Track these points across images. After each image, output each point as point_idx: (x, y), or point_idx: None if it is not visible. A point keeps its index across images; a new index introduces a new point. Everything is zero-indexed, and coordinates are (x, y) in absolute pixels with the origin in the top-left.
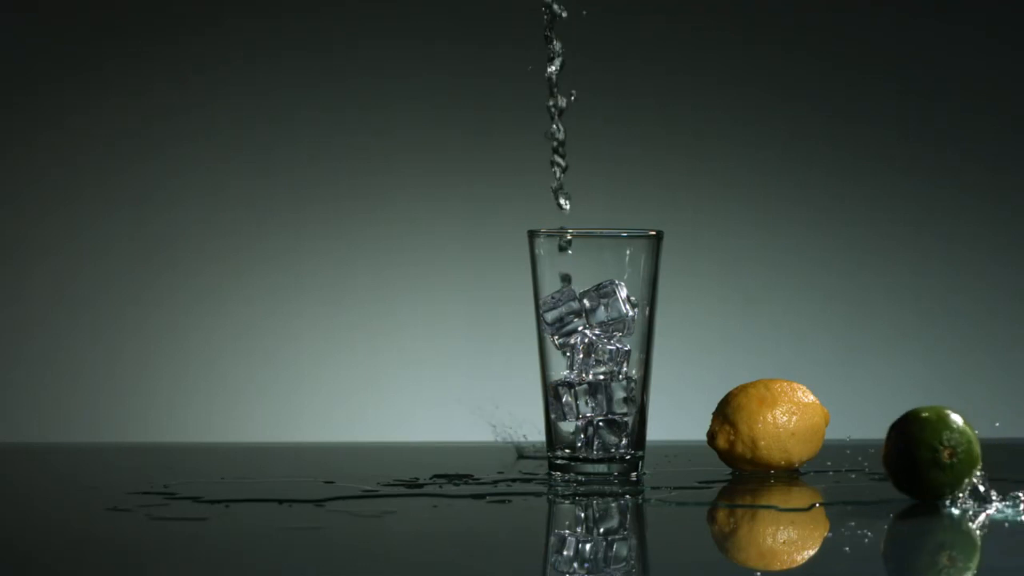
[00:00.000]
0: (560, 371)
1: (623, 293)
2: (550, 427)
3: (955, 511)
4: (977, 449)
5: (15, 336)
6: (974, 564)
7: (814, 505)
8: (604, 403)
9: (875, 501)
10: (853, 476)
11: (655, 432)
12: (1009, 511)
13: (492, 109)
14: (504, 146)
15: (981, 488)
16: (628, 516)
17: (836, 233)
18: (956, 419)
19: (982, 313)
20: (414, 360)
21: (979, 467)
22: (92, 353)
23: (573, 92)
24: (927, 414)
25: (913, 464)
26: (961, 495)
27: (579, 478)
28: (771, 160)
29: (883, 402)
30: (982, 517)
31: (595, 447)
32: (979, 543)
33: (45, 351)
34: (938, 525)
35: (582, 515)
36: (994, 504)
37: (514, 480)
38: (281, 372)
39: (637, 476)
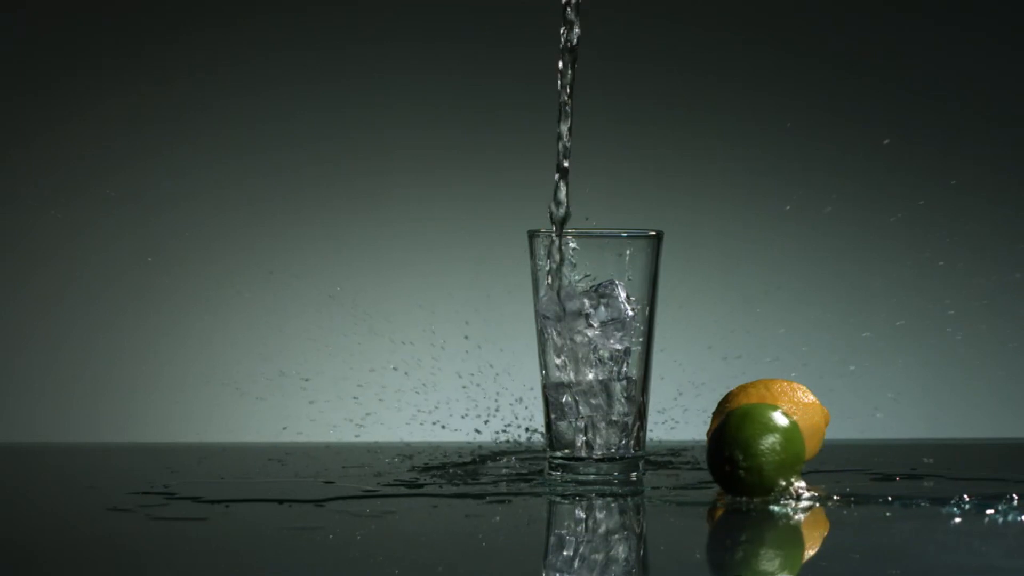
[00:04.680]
0: (560, 371)
1: (623, 293)
2: (550, 427)
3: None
4: (782, 457)
5: (15, 336)
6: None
7: (814, 505)
8: (604, 403)
9: (875, 501)
10: (853, 476)
11: (655, 432)
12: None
13: (493, 109)
14: (505, 146)
15: (795, 490)
16: (628, 516)
17: (836, 233)
18: (764, 438)
19: (982, 313)
20: (414, 360)
21: (787, 476)
22: (92, 353)
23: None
24: (733, 428)
25: (714, 469)
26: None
27: (579, 478)
28: (771, 160)
29: (883, 402)
30: (800, 515)
31: (595, 447)
32: (802, 539)
33: (45, 351)
34: (934, 525)
35: (582, 515)
36: (806, 502)
37: (514, 480)
38: (281, 372)
39: (637, 476)
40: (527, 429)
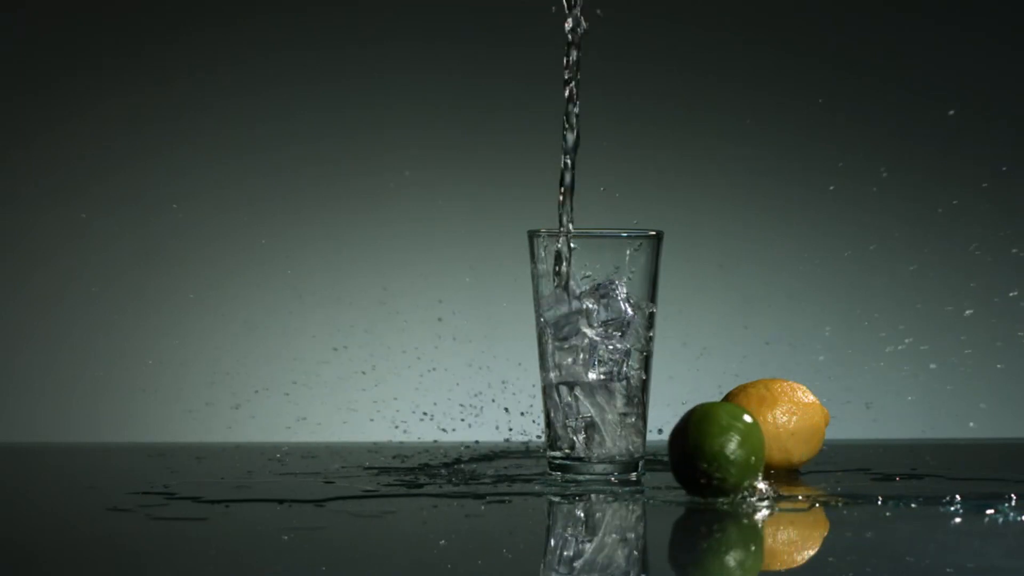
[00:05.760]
0: (560, 371)
1: (623, 293)
2: (550, 427)
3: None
4: (746, 469)
5: (15, 336)
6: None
7: (814, 505)
8: (604, 403)
9: (875, 501)
10: (853, 476)
11: (656, 432)
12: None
13: (493, 109)
14: (505, 146)
15: (762, 489)
16: (628, 516)
17: (836, 233)
18: (726, 443)
19: (983, 313)
20: (414, 361)
21: (749, 479)
22: (92, 353)
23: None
24: (700, 436)
25: (683, 477)
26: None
27: (579, 478)
28: (771, 160)
29: (883, 402)
30: (763, 514)
31: (595, 447)
32: (764, 538)
33: (45, 351)
34: (934, 525)
35: (582, 515)
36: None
37: (514, 480)
38: (282, 372)
39: (637, 476)
40: (536, 421)
